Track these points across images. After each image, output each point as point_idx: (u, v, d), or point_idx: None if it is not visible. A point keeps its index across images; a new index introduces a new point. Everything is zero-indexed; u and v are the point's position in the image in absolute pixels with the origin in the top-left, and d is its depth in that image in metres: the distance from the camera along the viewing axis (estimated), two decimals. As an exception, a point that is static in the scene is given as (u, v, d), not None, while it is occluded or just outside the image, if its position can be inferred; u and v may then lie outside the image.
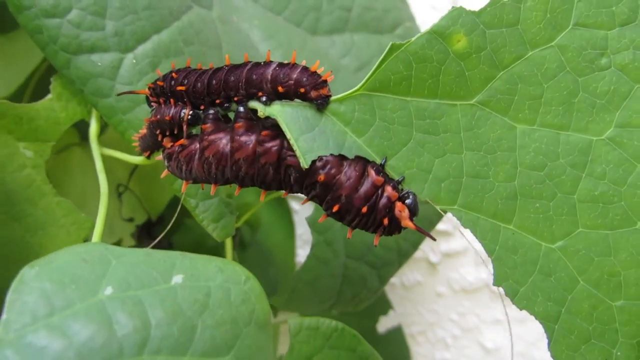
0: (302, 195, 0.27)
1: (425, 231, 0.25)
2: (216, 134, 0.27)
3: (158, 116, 0.29)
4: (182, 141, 0.28)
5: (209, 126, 0.27)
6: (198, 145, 0.27)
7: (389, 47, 0.25)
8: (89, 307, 0.22)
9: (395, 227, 0.25)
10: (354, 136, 0.27)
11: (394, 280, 0.62)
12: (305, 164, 0.25)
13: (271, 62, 0.27)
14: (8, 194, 0.35)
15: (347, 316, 0.51)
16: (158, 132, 0.30)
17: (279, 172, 0.26)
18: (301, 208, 0.60)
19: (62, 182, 0.45)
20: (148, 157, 0.33)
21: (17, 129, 0.35)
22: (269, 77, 0.26)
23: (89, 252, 0.24)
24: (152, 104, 0.31)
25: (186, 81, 0.28)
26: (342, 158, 0.25)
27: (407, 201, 0.25)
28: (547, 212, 0.27)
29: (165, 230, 0.36)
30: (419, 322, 0.63)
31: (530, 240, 0.28)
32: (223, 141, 0.27)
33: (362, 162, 0.25)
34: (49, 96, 0.36)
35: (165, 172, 0.30)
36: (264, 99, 0.26)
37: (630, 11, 0.26)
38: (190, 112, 0.28)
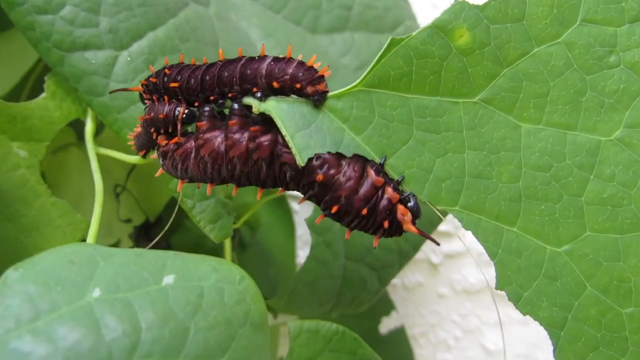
0: (301, 195, 0.25)
1: (428, 236, 0.24)
2: (212, 132, 0.26)
3: (152, 114, 0.28)
4: (177, 139, 0.27)
5: (204, 124, 0.26)
6: (193, 144, 0.26)
7: (388, 41, 0.24)
8: (76, 310, 0.21)
9: (396, 229, 0.24)
10: (352, 134, 0.25)
11: (395, 281, 0.60)
12: (301, 161, 0.24)
13: (266, 56, 0.25)
14: (2, 194, 0.35)
15: (349, 317, 0.49)
16: (152, 130, 0.29)
17: (272, 168, 0.25)
18: (301, 208, 0.58)
19: (59, 182, 0.44)
20: (144, 156, 0.32)
21: (10, 128, 0.34)
22: (264, 72, 0.25)
23: (76, 253, 0.23)
24: (146, 101, 0.30)
25: (179, 77, 0.27)
26: (340, 157, 0.24)
27: (410, 204, 0.24)
28: (553, 214, 0.26)
29: (163, 231, 0.35)
30: (421, 324, 0.62)
31: (534, 243, 0.26)
32: (218, 139, 0.25)
33: (361, 162, 0.24)
34: (43, 95, 0.35)
35: (160, 171, 0.29)
36: (258, 94, 0.25)
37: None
38: (185, 109, 0.27)
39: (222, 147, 0.25)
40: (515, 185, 0.26)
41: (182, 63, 0.28)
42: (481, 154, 0.26)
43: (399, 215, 0.23)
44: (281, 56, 0.25)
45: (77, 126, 0.41)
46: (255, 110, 0.25)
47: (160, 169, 0.29)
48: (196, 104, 0.27)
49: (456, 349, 0.61)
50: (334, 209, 0.23)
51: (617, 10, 0.25)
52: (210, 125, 0.26)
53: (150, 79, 0.29)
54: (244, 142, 0.25)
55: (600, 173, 0.26)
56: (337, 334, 0.29)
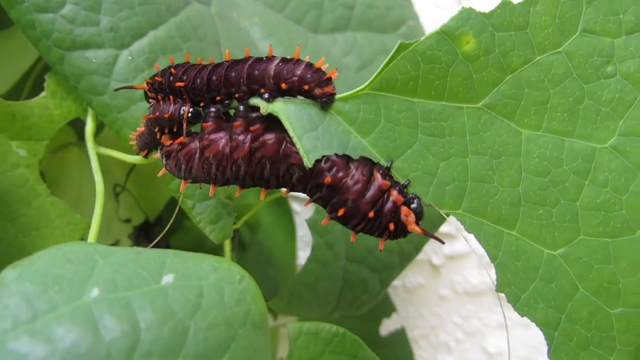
0: (304, 196, 0.25)
1: (432, 235, 0.24)
2: (217, 133, 0.25)
3: (157, 113, 0.27)
4: (181, 139, 0.26)
5: (210, 124, 0.25)
6: (198, 144, 0.25)
7: (397, 46, 0.24)
8: (74, 310, 0.20)
9: (401, 231, 0.23)
10: (359, 136, 0.25)
11: (396, 282, 0.60)
12: (309, 163, 0.23)
13: (274, 57, 0.25)
14: (0, 194, 0.33)
15: (349, 319, 0.49)
16: (156, 130, 0.28)
17: (276, 167, 0.24)
18: (302, 209, 0.57)
19: (59, 181, 0.43)
20: (145, 156, 0.31)
21: (9, 127, 0.33)
22: (272, 72, 0.24)
23: (75, 252, 0.22)
24: (150, 100, 0.29)
25: (185, 77, 0.26)
26: (348, 159, 0.24)
27: (413, 205, 0.23)
28: (550, 218, 0.26)
29: (163, 232, 0.34)
30: (422, 326, 0.61)
31: (532, 246, 0.26)
32: (223, 141, 0.25)
33: (369, 165, 0.24)
34: (43, 94, 0.34)
35: (162, 171, 0.28)
36: (266, 95, 0.24)
37: (637, 19, 0.25)
38: (191, 109, 0.26)
39: (227, 149, 0.24)
40: (515, 189, 0.26)
41: (188, 62, 0.27)
42: (483, 158, 0.26)
43: (402, 217, 0.23)
44: (289, 57, 0.25)
45: (77, 125, 0.40)
46: (262, 111, 0.24)
47: (163, 169, 0.28)
48: (202, 104, 0.27)
49: (457, 351, 0.61)
50: (341, 212, 0.23)
51: (616, 22, 0.25)
52: (216, 126, 0.25)
53: (156, 77, 0.28)
54: (248, 144, 0.24)
55: (595, 179, 0.26)
56: (337, 336, 0.29)
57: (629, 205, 0.26)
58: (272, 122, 0.24)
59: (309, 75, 0.24)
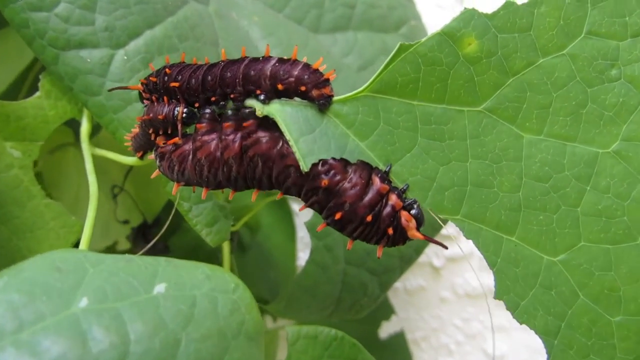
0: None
1: (435, 240, 0.23)
2: (210, 134, 0.24)
3: (151, 114, 0.26)
4: (175, 140, 0.25)
5: (204, 126, 0.24)
6: (192, 146, 0.24)
7: (397, 47, 0.23)
8: (61, 321, 0.19)
9: (400, 237, 0.22)
10: (357, 139, 0.24)
11: (396, 284, 0.58)
12: (305, 167, 0.22)
13: (270, 57, 0.23)
14: (-5, 195, 0.32)
15: (348, 322, 0.48)
16: (151, 131, 0.26)
17: (268, 167, 0.23)
18: (303, 211, 0.56)
19: (57, 182, 0.42)
20: (141, 158, 0.30)
21: (4, 127, 0.32)
22: (268, 73, 0.23)
23: (64, 260, 0.21)
24: (145, 101, 0.27)
25: (180, 77, 0.25)
26: (345, 163, 0.23)
27: (413, 211, 0.22)
28: (551, 224, 0.25)
29: (160, 233, 0.33)
30: (422, 328, 0.60)
31: (532, 252, 0.25)
32: (214, 142, 0.24)
33: (367, 169, 0.23)
34: (37, 94, 0.33)
35: (156, 172, 0.27)
36: (262, 97, 0.23)
37: (642, 22, 0.24)
38: (185, 110, 0.25)
39: (219, 151, 0.23)
40: (515, 195, 0.25)
41: (183, 62, 0.26)
42: (484, 163, 0.25)
43: (403, 222, 0.22)
44: (286, 57, 0.23)
45: (74, 126, 0.39)
46: (258, 113, 0.23)
47: (156, 170, 0.27)
48: (197, 105, 0.25)
49: (458, 354, 0.60)
50: (338, 216, 0.22)
51: (621, 25, 0.24)
52: (210, 127, 0.24)
53: (150, 77, 0.26)
54: (237, 142, 0.23)
55: (597, 185, 0.25)
56: (336, 340, 0.28)
57: (631, 211, 0.25)
58: (268, 121, 0.23)
59: (306, 76, 0.23)
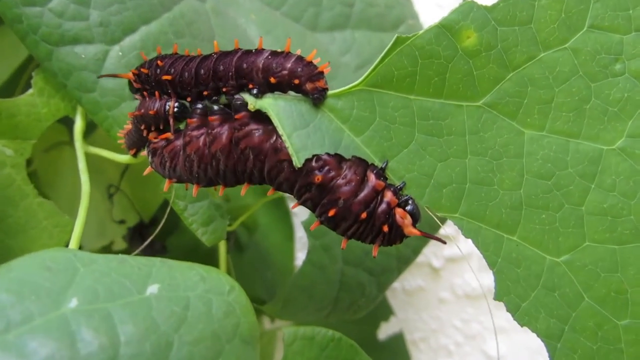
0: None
1: (432, 236, 0.22)
2: (199, 129, 0.23)
3: (142, 110, 0.25)
4: (167, 135, 0.24)
5: (195, 121, 0.23)
6: (182, 141, 0.24)
7: (393, 40, 0.22)
8: (50, 322, 0.18)
9: (396, 235, 0.21)
10: (352, 135, 0.23)
11: (395, 285, 0.58)
12: (298, 162, 0.21)
13: (263, 50, 0.23)
14: (-15, 195, 0.32)
15: (346, 323, 0.47)
16: (143, 127, 0.26)
17: (259, 160, 0.22)
18: (300, 210, 0.55)
19: (51, 182, 0.41)
20: (134, 155, 0.29)
21: None
22: (261, 66, 0.22)
23: (55, 259, 0.20)
24: (136, 92, 0.27)
25: (172, 70, 0.24)
26: (340, 159, 0.22)
27: (408, 207, 0.21)
28: (554, 223, 0.24)
29: (155, 233, 0.33)
30: (421, 329, 0.59)
31: (534, 252, 0.24)
32: (203, 137, 0.23)
33: (363, 165, 0.22)
34: (30, 91, 0.32)
35: (148, 169, 0.27)
36: (254, 91, 0.22)
37: (647, 14, 0.23)
38: (176, 104, 0.24)
39: (207, 145, 0.23)
40: (516, 193, 0.24)
41: (176, 54, 0.25)
42: (483, 159, 0.24)
43: (398, 219, 0.21)
44: (279, 50, 0.23)
45: (70, 124, 0.38)
46: (250, 107, 0.23)
47: (149, 167, 0.26)
48: (189, 99, 0.25)
49: (457, 355, 0.59)
50: (331, 212, 0.21)
51: (625, 18, 0.23)
52: (200, 122, 0.24)
53: (142, 69, 0.25)
54: (225, 134, 0.22)
55: (602, 182, 0.24)
56: (333, 341, 0.27)
57: (638, 210, 0.24)
58: (262, 114, 0.23)
59: (299, 69, 0.22)
